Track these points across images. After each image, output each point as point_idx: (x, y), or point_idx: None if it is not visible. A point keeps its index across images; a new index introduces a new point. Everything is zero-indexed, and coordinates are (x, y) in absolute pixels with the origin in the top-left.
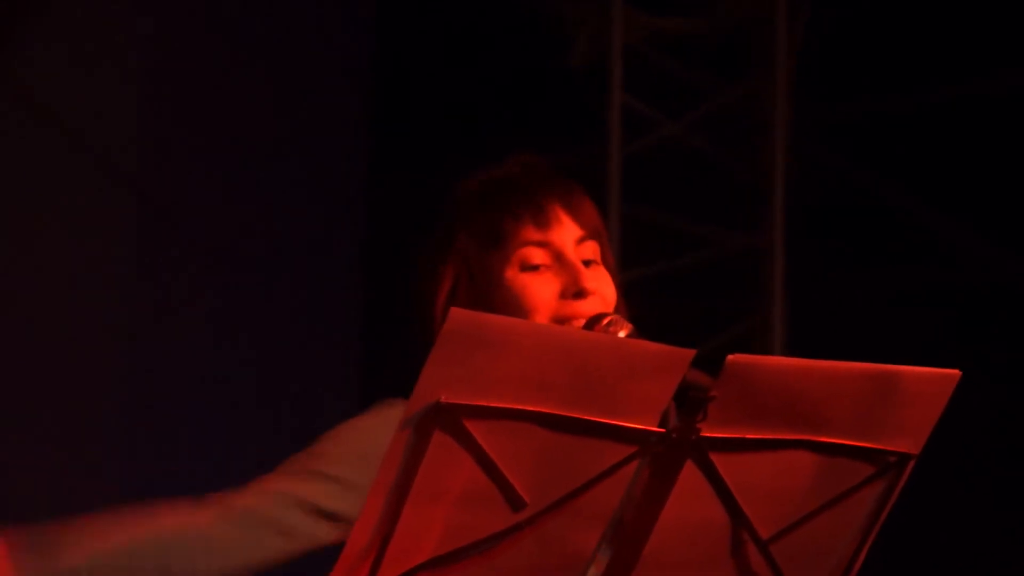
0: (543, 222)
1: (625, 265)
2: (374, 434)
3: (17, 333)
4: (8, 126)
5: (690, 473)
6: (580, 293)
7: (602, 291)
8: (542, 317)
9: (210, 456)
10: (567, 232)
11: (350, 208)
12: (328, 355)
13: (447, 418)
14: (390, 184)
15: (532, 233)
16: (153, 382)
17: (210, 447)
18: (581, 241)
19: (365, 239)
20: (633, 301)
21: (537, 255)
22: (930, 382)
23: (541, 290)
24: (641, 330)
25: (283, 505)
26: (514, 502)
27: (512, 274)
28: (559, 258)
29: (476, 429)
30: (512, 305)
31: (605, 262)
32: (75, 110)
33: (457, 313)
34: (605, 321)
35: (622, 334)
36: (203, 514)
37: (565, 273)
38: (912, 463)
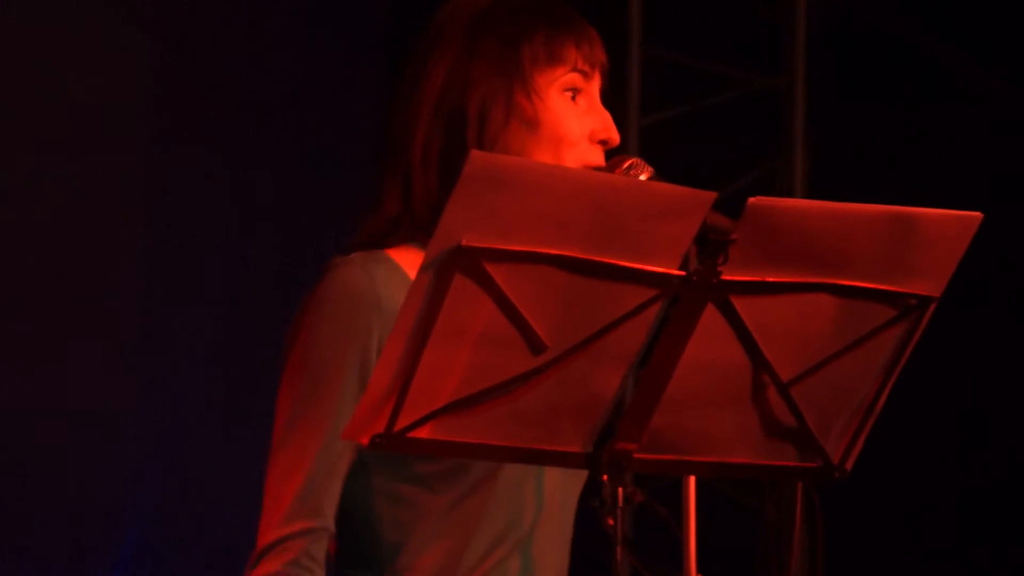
0: (593, 61)
1: (645, 108)
2: (355, 302)
3: (41, 172)
4: None
5: (711, 316)
6: (607, 142)
7: (633, 159)
8: (568, 147)
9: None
10: (599, 79)
11: (371, 54)
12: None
13: (468, 261)
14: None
15: (584, 64)
16: (170, 228)
17: (232, 305)
18: (599, 84)
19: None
20: (654, 144)
21: (582, 83)
22: (951, 224)
23: (578, 123)
24: (662, 173)
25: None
26: (535, 345)
27: (555, 97)
28: (593, 101)
29: (497, 272)
30: (548, 128)
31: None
32: None
33: (477, 155)
34: (626, 164)
35: (643, 177)
36: None
37: (598, 117)
38: (933, 305)
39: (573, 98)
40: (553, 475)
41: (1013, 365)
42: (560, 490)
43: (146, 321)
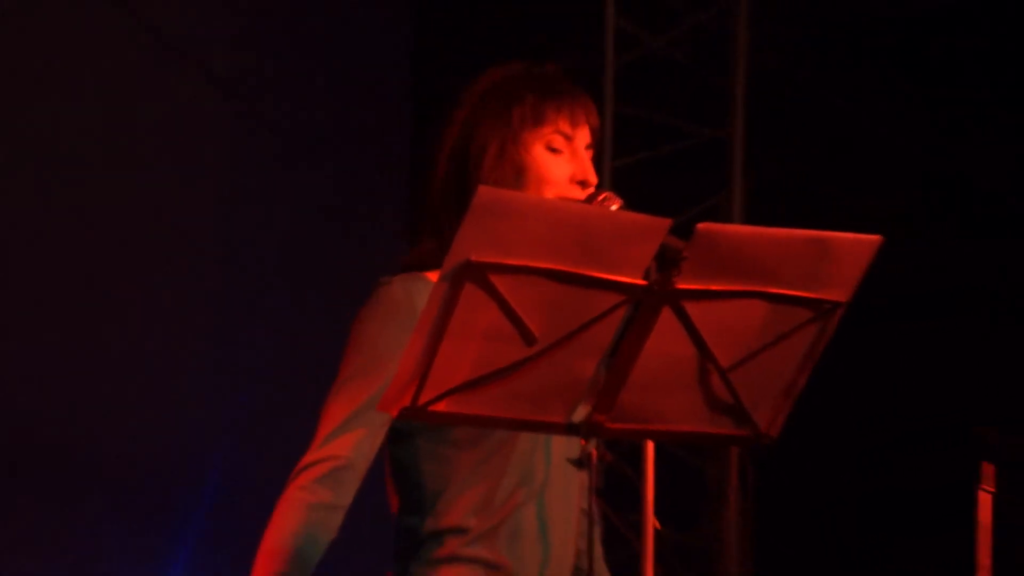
0: (575, 121)
1: (617, 153)
2: (396, 312)
3: (128, 205)
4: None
5: (666, 316)
6: (585, 183)
7: (604, 191)
8: (552, 188)
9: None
10: (585, 135)
11: (397, 94)
12: (380, 205)
13: (476, 273)
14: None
15: (565, 126)
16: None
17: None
18: (589, 146)
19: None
20: (623, 181)
21: (562, 143)
22: (857, 245)
23: (558, 169)
24: (629, 205)
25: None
26: (528, 339)
27: (539, 150)
28: (575, 152)
29: (498, 281)
30: (533, 172)
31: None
32: (175, 24)
33: (484, 190)
34: (601, 197)
35: (614, 207)
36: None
37: (578, 164)
38: (842, 309)
39: (556, 149)
40: (559, 443)
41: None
42: (564, 458)
43: (221, 309)
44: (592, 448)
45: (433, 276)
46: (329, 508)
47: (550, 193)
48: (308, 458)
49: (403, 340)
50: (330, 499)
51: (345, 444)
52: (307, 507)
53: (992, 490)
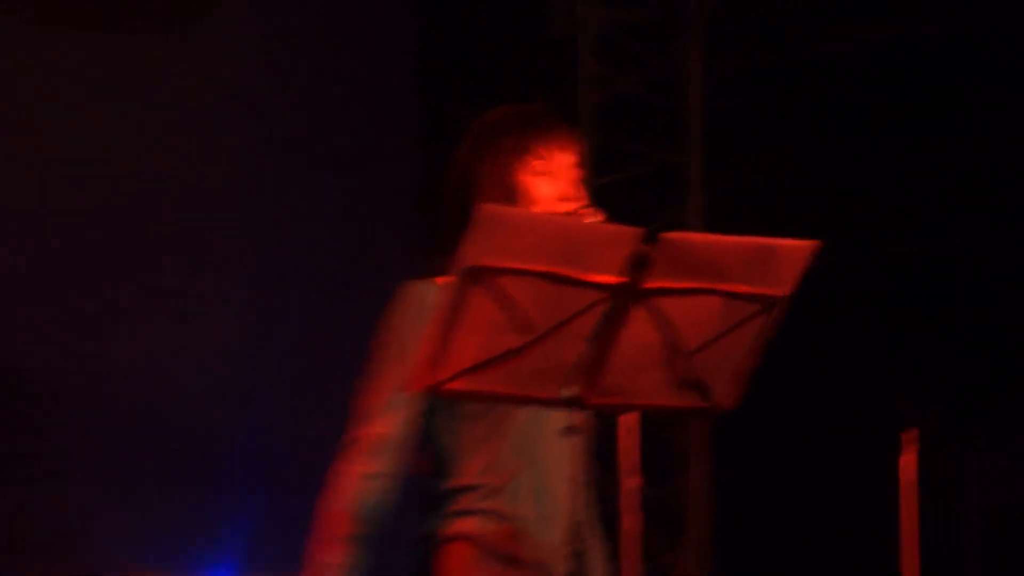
0: (557, 149)
1: (593, 176)
2: (417, 311)
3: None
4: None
5: (638, 309)
6: (566, 199)
7: (581, 202)
8: (539, 205)
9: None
10: (569, 158)
11: (404, 132)
12: (390, 222)
13: (479, 275)
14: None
15: (546, 153)
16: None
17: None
18: (575, 166)
19: (421, 167)
20: (603, 199)
21: (544, 167)
22: (798, 249)
23: (543, 189)
24: (609, 217)
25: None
26: (524, 329)
27: (525, 174)
28: (557, 173)
29: (498, 281)
30: (522, 193)
31: (581, 183)
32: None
33: (484, 206)
34: (583, 210)
35: (594, 219)
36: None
37: (560, 184)
38: (785, 303)
39: (540, 172)
40: (552, 416)
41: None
42: (556, 428)
43: (261, 298)
44: (579, 419)
45: (442, 281)
46: (379, 476)
47: (538, 209)
48: (354, 434)
49: (422, 332)
50: (378, 468)
51: (386, 421)
52: (360, 477)
53: (916, 451)
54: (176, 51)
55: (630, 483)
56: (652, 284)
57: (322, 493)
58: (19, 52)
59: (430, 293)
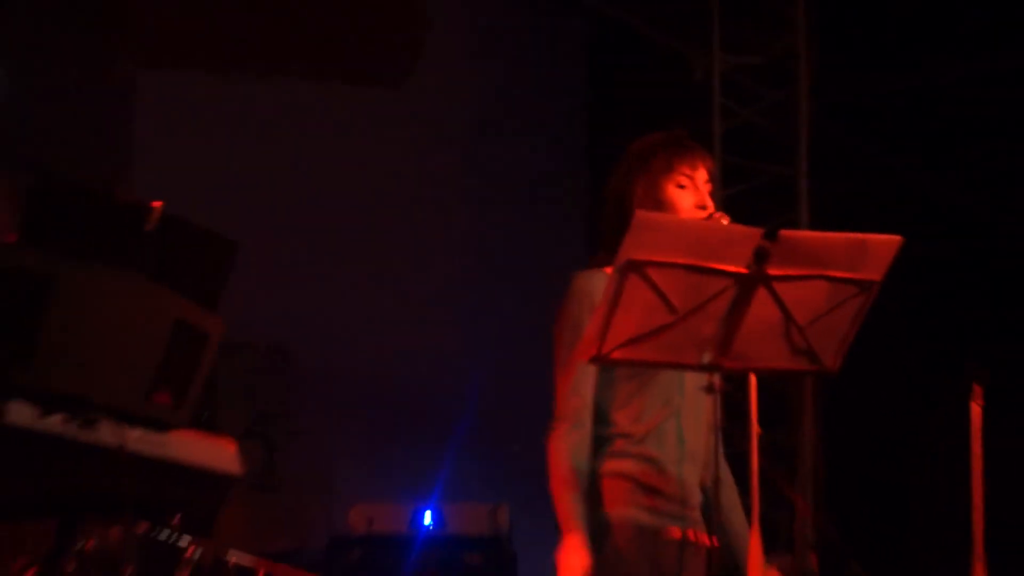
0: (694, 166)
1: (721, 189)
2: (587, 296)
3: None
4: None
5: (762, 292)
6: (704, 207)
7: (712, 208)
8: (682, 213)
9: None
10: (703, 174)
11: (577, 159)
12: (566, 226)
13: (636, 266)
14: (607, 140)
15: (687, 170)
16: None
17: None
18: (707, 181)
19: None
20: (725, 207)
21: (685, 182)
22: (886, 242)
23: (685, 199)
24: (734, 220)
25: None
26: (672, 309)
27: (671, 187)
28: (696, 187)
29: (651, 272)
30: (666, 205)
31: (713, 192)
32: (450, 119)
33: (640, 213)
34: (716, 215)
35: (725, 221)
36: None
37: (698, 195)
38: (878, 285)
39: (682, 186)
40: (691, 378)
41: None
42: (694, 390)
43: (468, 286)
44: (715, 379)
45: (607, 271)
46: (583, 441)
47: (681, 215)
48: (558, 413)
49: (589, 314)
50: (582, 435)
51: (577, 397)
52: (571, 447)
53: (982, 403)
54: (393, 96)
55: (754, 430)
56: (772, 272)
57: (547, 460)
58: (283, 99)
59: (595, 279)
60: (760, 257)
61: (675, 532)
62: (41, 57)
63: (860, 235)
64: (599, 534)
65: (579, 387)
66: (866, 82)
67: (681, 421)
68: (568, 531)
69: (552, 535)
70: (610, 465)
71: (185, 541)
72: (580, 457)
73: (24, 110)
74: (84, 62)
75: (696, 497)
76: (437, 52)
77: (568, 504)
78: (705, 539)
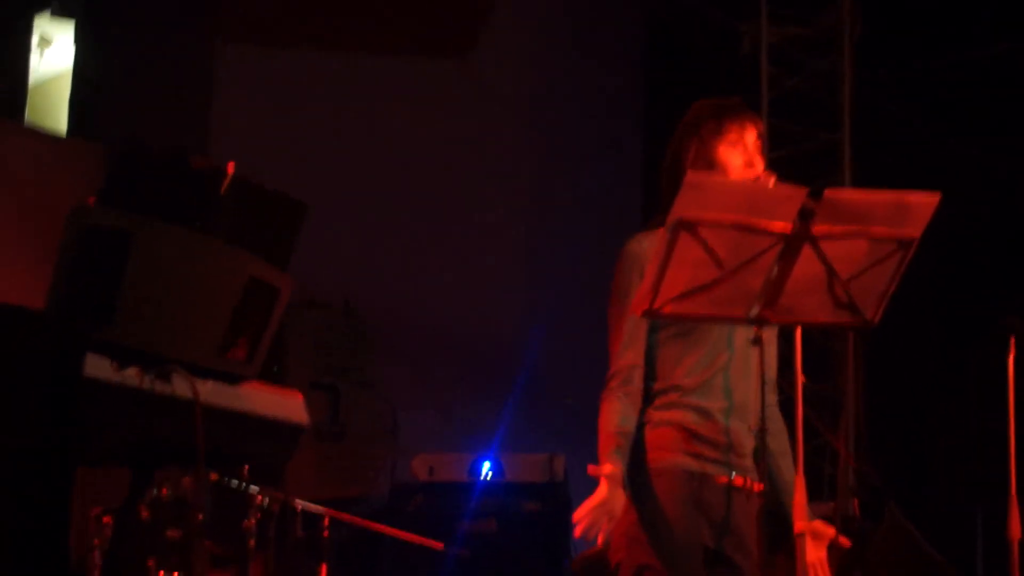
0: (743, 128)
1: (769, 151)
2: (639, 258)
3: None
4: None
5: (807, 249)
6: (752, 165)
7: (761, 167)
8: (731, 172)
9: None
10: (752, 135)
11: (634, 127)
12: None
13: (687, 224)
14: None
15: (736, 131)
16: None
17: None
18: (758, 142)
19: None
20: (772, 167)
21: (735, 141)
22: (925, 199)
23: (735, 158)
24: (780, 179)
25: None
26: (719, 264)
27: (722, 148)
28: (745, 147)
29: (700, 229)
30: (717, 165)
31: (763, 153)
32: (511, 89)
33: (691, 173)
34: (764, 174)
35: (771, 182)
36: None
37: (747, 155)
38: (916, 242)
39: (732, 147)
40: (739, 332)
41: None
42: (744, 344)
43: (530, 247)
44: (762, 332)
45: (659, 234)
46: (633, 396)
47: (730, 175)
48: (611, 370)
49: (640, 275)
50: (631, 391)
51: (629, 354)
52: (621, 402)
53: (1014, 352)
54: (458, 67)
55: (799, 381)
56: (816, 230)
57: (599, 413)
58: (354, 72)
59: (645, 242)
60: (805, 216)
61: (722, 478)
62: (130, 34)
63: (900, 194)
64: (647, 480)
65: (630, 347)
66: (906, 54)
67: (730, 374)
68: (604, 477)
69: None
70: (659, 416)
71: (254, 489)
72: (627, 415)
73: (114, 83)
74: (169, 39)
75: (746, 446)
76: (502, 25)
77: (608, 455)
78: (753, 485)
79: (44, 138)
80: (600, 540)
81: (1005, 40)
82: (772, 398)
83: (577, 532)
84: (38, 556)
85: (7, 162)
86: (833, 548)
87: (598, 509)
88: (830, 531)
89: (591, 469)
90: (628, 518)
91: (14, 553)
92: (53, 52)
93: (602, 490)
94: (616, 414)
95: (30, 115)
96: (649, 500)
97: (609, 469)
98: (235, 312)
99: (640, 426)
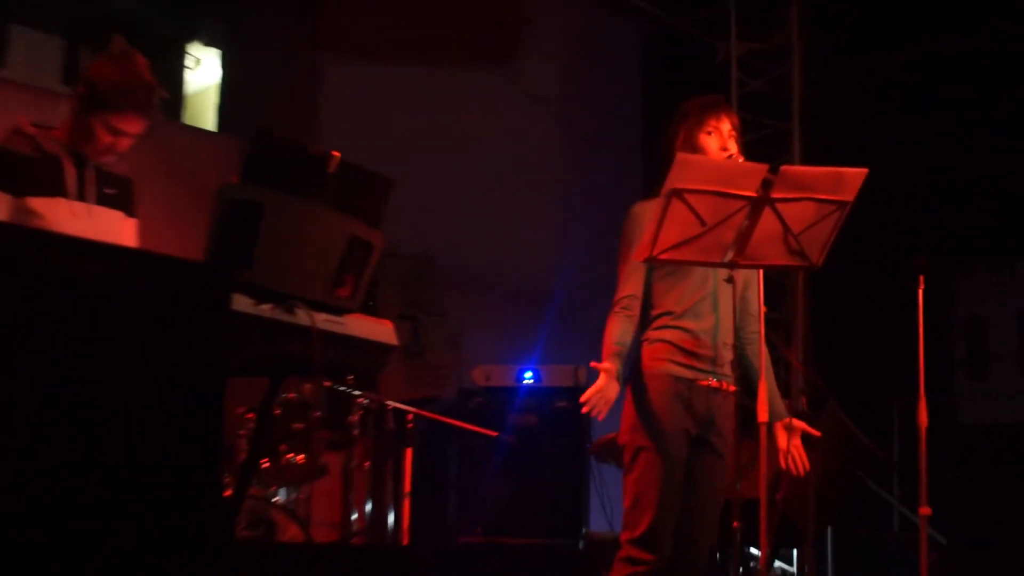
0: (719, 119)
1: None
2: (640, 219)
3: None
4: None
5: (768, 211)
6: (726, 148)
7: (735, 150)
8: (709, 153)
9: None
10: (727, 124)
11: (633, 121)
12: (625, 168)
13: (677, 192)
14: (660, 112)
15: (714, 121)
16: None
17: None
18: (732, 130)
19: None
20: (745, 151)
21: (713, 129)
22: (857, 172)
23: (712, 143)
24: (747, 159)
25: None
26: (703, 223)
27: (703, 135)
28: (721, 135)
29: (688, 196)
30: (699, 147)
31: (736, 138)
32: (544, 93)
33: (680, 154)
34: (734, 155)
35: (740, 160)
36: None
37: (722, 139)
38: (850, 204)
39: (710, 133)
40: (722, 272)
41: None
42: (724, 284)
43: (561, 216)
44: (733, 273)
45: (656, 201)
46: (630, 318)
47: (710, 155)
48: (616, 297)
49: (643, 230)
50: (631, 315)
51: (629, 287)
52: (622, 321)
53: (923, 285)
54: (503, 77)
55: (761, 309)
56: (775, 196)
57: (605, 328)
58: (426, 80)
59: (646, 207)
60: (766, 185)
61: (703, 382)
62: (260, 56)
63: (837, 169)
64: (644, 383)
65: (630, 282)
66: (841, 60)
67: (712, 300)
68: (603, 372)
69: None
70: (655, 335)
71: (357, 393)
72: (625, 331)
73: (249, 93)
74: (288, 59)
75: (724, 357)
76: (531, 45)
77: (608, 357)
78: (729, 387)
79: (199, 134)
80: (600, 418)
81: (922, 44)
82: (754, 326)
83: (584, 410)
84: (200, 442)
85: (173, 153)
86: (805, 437)
87: (597, 395)
88: (801, 425)
89: (593, 364)
90: (630, 411)
91: (182, 439)
92: (202, 70)
93: (601, 380)
94: (617, 330)
95: (186, 118)
96: (646, 398)
97: (607, 366)
98: (341, 261)
99: (639, 343)
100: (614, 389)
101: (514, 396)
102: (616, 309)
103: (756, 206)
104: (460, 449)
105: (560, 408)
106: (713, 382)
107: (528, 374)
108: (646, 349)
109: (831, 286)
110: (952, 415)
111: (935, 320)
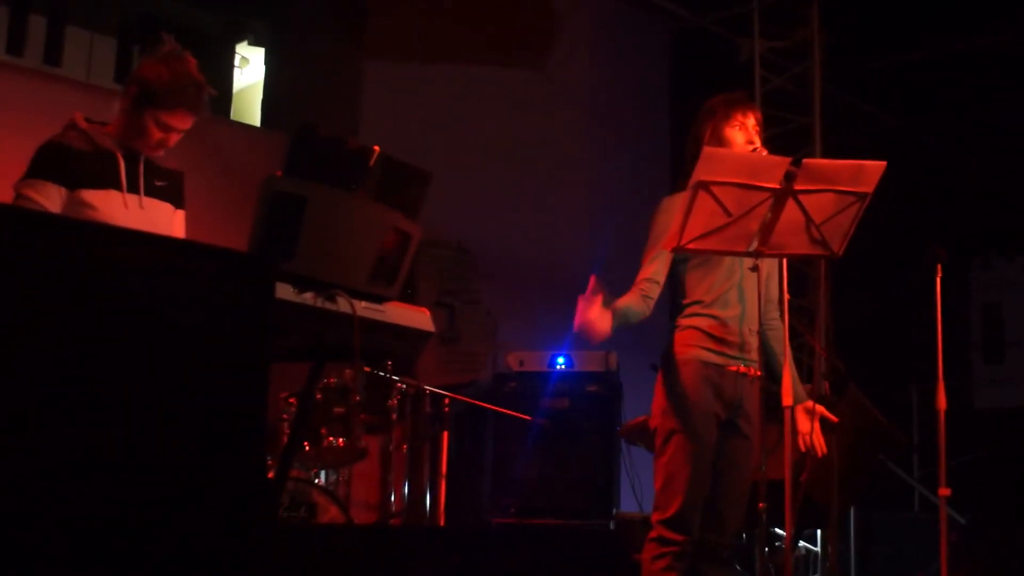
0: (745, 114)
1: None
2: (670, 211)
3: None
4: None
5: (791, 202)
6: (751, 142)
7: (759, 143)
8: (735, 147)
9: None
10: (752, 120)
11: (663, 118)
12: (652, 161)
13: (704, 185)
14: (687, 106)
15: (741, 116)
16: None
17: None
18: (756, 125)
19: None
20: (769, 144)
21: (739, 124)
22: (875, 166)
23: (738, 137)
24: (771, 152)
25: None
26: (728, 213)
27: (729, 129)
28: (746, 129)
29: (714, 188)
30: (726, 141)
31: (760, 133)
32: (577, 93)
33: (706, 148)
34: (759, 149)
35: (764, 154)
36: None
37: (748, 134)
38: (870, 195)
39: (737, 129)
40: (748, 261)
41: None
42: (749, 272)
43: (588, 207)
44: (758, 262)
45: (684, 194)
46: (647, 299)
47: (735, 149)
48: (638, 278)
49: (671, 220)
50: (643, 299)
51: (651, 270)
52: (638, 299)
53: (940, 274)
54: (533, 74)
55: (785, 296)
56: (797, 188)
57: (623, 297)
58: (463, 78)
59: (674, 201)
60: (789, 177)
61: (732, 367)
62: (303, 56)
63: (857, 162)
64: (676, 368)
65: (653, 266)
66: (860, 58)
67: (740, 289)
68: (603, 308)
69: (648, 375)
70: (686, 322)
71: (395, 378)
72: (634, 304)
73: (293, 90)
74: (330, 58)
75: (751, 344)
76: (564, 43)
77: (613, 307)
78: (756, 373)
79: (245, 129)
80: (575, 326)
81: (939, 43)
82: (775, 313)
83: (575, 328)
84: (245, 423)
85: (221, 146)
86: (823, 421)
87: (593, 310)
88: (820, 409)
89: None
90: (661, 395)
91: (229, 420)
92: (249, 69)
93: (596, 310)
94: (628, 300)
95: (234, 114)
96: (678, 383)
97: (611, 305)
98: (381, 251)
99: (671, 329)
100: (606, 321)
101: (547, 381)
102: (634, 288)
103: (779, 198)
104: (495, 432)
105: (591, 392)
106: (741, 367)
107: (560, 359)
108: (677, 336)
109: (853, 275)
110: (969, 399)
111: (952, 308)
